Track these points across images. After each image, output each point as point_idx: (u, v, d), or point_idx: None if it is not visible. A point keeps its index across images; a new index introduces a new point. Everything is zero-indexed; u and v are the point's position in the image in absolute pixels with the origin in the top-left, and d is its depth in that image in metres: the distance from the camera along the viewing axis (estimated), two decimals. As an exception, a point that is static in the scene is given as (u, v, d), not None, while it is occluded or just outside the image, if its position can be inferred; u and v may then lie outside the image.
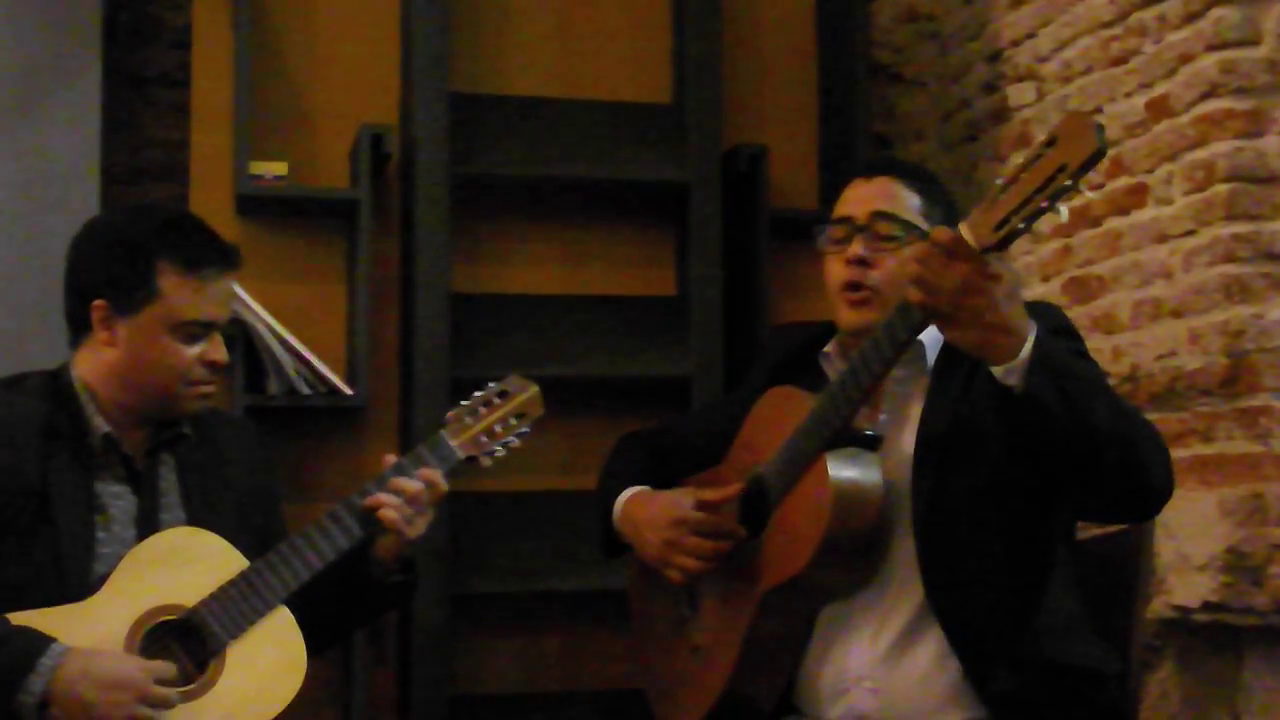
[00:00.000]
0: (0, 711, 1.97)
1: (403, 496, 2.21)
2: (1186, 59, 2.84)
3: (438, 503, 2.26)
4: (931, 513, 2.06)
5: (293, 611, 2.19)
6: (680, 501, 2.25)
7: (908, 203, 2.18)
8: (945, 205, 2.22)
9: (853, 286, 2.16)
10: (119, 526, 2.18)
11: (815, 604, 2.16)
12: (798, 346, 2.32)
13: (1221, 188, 2.74)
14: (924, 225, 2.16)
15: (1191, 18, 2.83)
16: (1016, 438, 1.95)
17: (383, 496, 2.21)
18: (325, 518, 2.22)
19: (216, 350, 2.22)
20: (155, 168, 3.49)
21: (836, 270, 2.19)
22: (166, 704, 2.02)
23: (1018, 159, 1.80)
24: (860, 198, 2.20)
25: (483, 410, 2.33)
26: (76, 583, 2.11)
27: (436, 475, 2.25)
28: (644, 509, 2.31)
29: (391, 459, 2.28)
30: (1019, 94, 3.44)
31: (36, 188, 3.29)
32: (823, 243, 2.22)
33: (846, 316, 2.18)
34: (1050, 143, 1.76)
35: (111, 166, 3.39)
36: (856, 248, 2.16)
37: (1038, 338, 1.87)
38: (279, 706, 2.11)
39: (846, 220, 2.20)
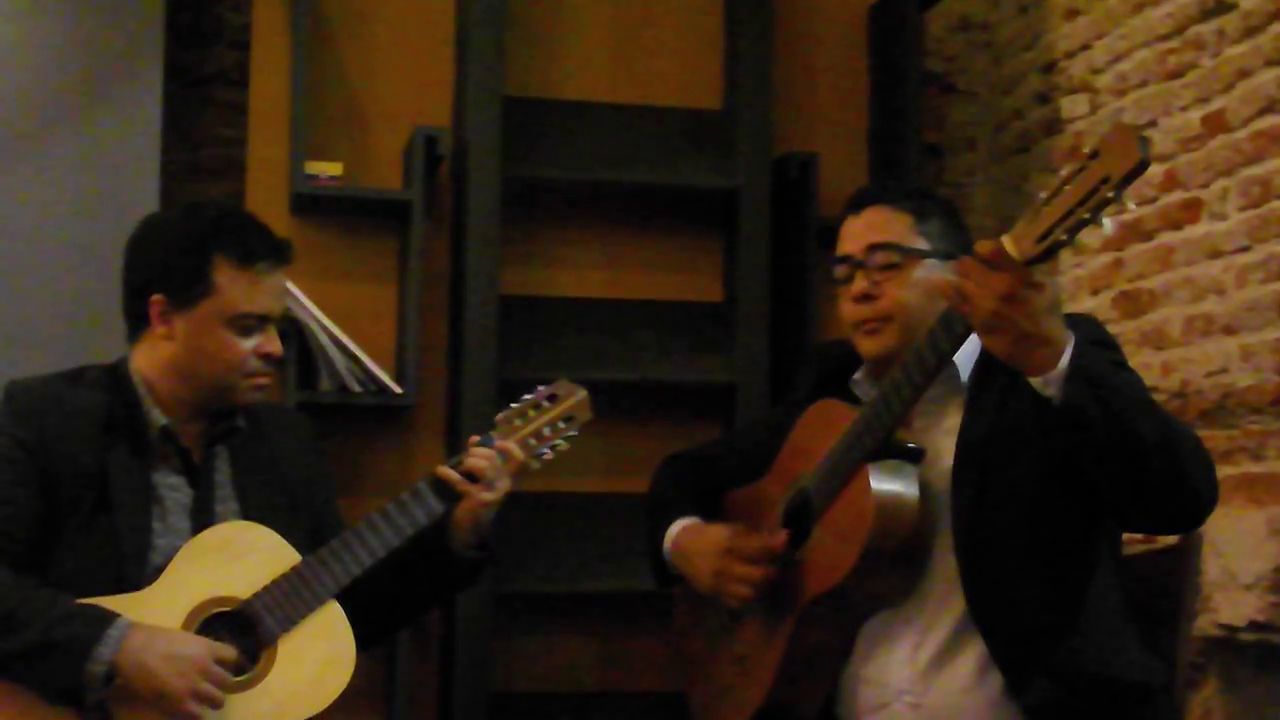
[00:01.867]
0: (69, 681, 2.02)
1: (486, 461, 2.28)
2: (1245, 74, 2.82)
3: (514, 473, 2.31)
4: (972, 525, 2.07)
5: (365, 595, 2.23)
6: (728, 531, 2.27)
7: (899, 226, 2.20)
8: (941, 216, 2.24)
9: (863, 321, 2.19)
10: (175, 518, 2.22)
11: (856, 615, 2.16)
12: (836, 365, 2.33)
13: (1278, 204, 2.72)
14: (920, 243, 2.19)
15: (1251, 32, 2.81)
16: (1058, 449, 1.95)
17: (470, 459, 2.28)
18: (387, 508, 2.25)
19: (271, 342, 2.26)
20: (213, 166, 3.54)
21: (848, 309, 2.23)
22: (223, 684, 2.07)
23: (1062, 171, 1.80)
24: (854, 234, 2.23)
25: (532, 413, 2.35)
26: (133, 572, 2.15)
27: (510, 445, 2.31)
28: (694, 541, 2.33)
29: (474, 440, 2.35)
30: (1072, 106, 3.43)
31: (98, 185, 3.34)
32: (836, 277, 2.26)
33: (865, 346, 2.21)
34: (1094, 155, 1.76)
35: (170, 164, 3.43)
36: (860, 284, 2.19)
37: (1076, 347, 1.88)
38: (328, 699, 2.15)
39: (846, 259, 2.23)
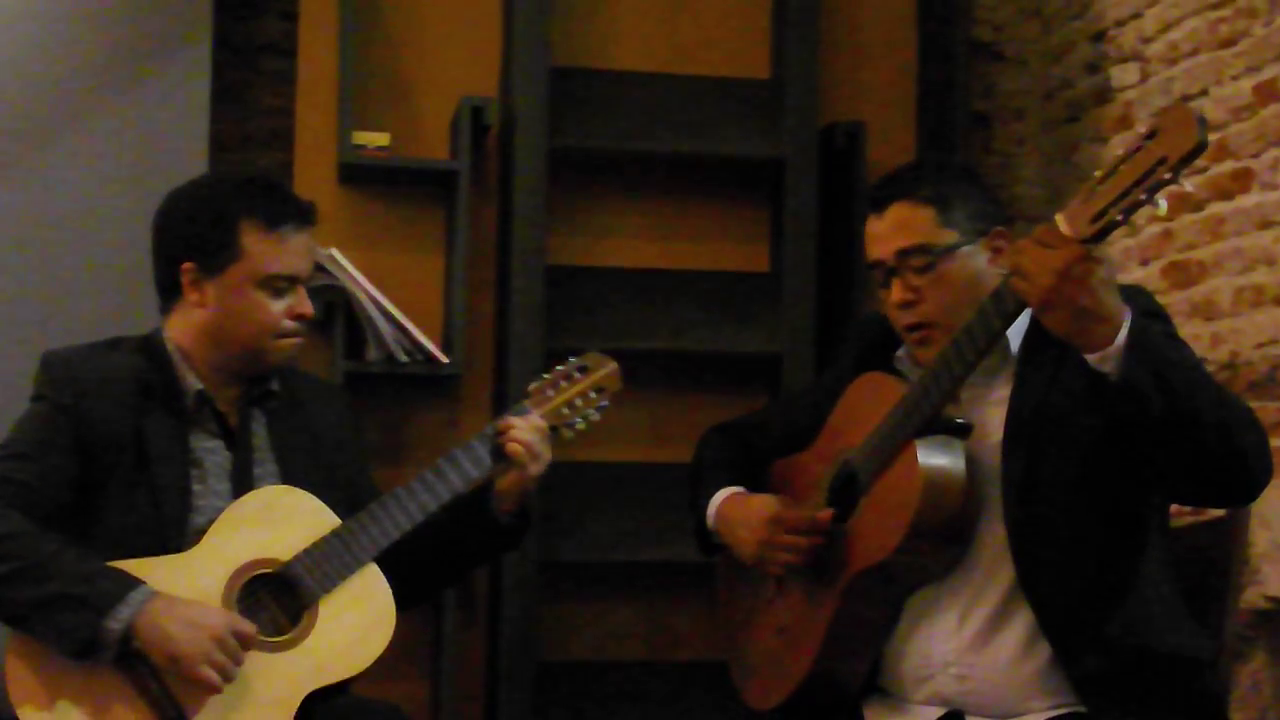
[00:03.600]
0: (86, 635, 2.05)
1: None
2: (1297, 42, 2.79)
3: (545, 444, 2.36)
4: (1022, 497, 2.06)
5: (407, 556, 2.27)
6: (772, 501, 2.28)
7: (924, 224, 2.15)
8: (963, 196, 2.18)
9: (910, 328, 2.18)
10: (214, 480, 2.26)
11: (901, 590, 2.16)
12: (880, 337, 2.32)
13: (1329, 174, 2.69)
14: (949, 237, 2.14)
15: (1304, 1, 2.78)
16: (1113, 424, 1.94)
17: (512, 421, 2.33)
18: (425, 475, 2.29)
19: (302, 303, 2.30)
20: (262, 136, 3.55)
21: (892, 314, 2.21)
22: (237, 658, 2.10)
23: (1117, 150, 1.79)
24: (880, 237, 2.20)
25: (564, 384, 2.41)
26: (175, 534, 2.20)
27: (536, 419, 2.36)
28: (737, 510, 2.33)
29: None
30: (1122, 75, 3.40)
31: (147, 155, 3.36)
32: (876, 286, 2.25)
33: (917, 355, 2.19)
34: (1151, 135, 1.75)
35: (219, 134, 3.46)
36: (898, 293, 2.17)
37: (1133, 324, 1.87)
38: (368, 660, 2.19)
39: (879, 265, 2.21)
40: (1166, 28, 3.22)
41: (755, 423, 2.56)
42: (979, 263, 2.14)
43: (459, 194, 3.32)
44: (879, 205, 2.21)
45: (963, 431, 2.09)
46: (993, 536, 2.09)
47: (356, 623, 2.19)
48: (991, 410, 2.13)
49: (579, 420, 2.41)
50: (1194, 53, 3.11)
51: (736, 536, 2.32)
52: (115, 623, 2.05)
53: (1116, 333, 1.86)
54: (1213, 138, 2.99)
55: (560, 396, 2.40)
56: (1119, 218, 1.79)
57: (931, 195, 2.17)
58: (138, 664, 2.08)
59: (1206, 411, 1.86)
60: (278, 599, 2.19)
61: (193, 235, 2.26)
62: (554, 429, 2.39)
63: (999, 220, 2.20)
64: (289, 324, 2.28)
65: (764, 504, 2.28)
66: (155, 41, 3.41)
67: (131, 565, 2.13)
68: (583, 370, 2.42)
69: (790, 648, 2.26)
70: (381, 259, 3.38)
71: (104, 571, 2.10)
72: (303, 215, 2.30)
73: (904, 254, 2.16)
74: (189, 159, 3.36)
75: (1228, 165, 2.97)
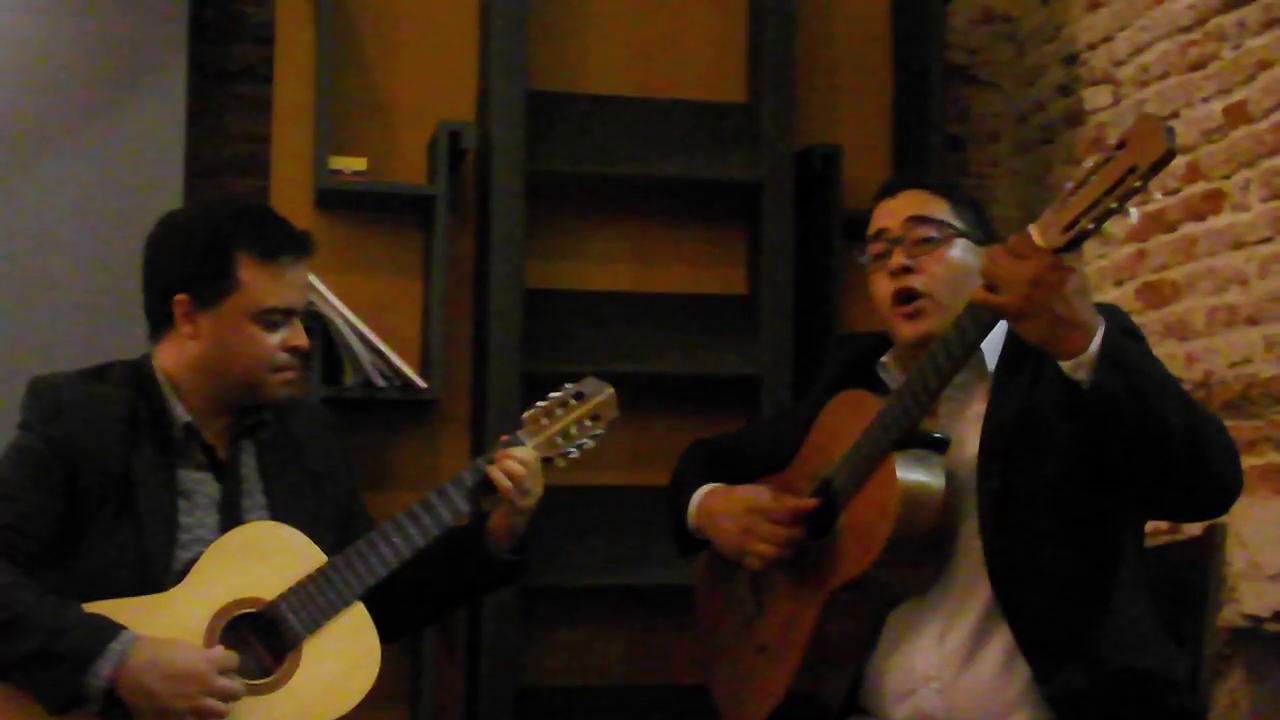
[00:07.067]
0: (68, 693, 2.01)
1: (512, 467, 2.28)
2: (1266, 65, 2.82)
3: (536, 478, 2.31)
4: (998, 512, 2.07)
5: (396, 591, 2.23)
6: (756, 492, 2.28)
7: (937, 207, 2.21)
8: (971, 207, 2.26)
9: (902, 298, 2.18)
10: (202, 513, 2.22)
11: (881, 605, 2.16)
12: (858, 357, 2.33)
13: (1300, 195, 2.72)
14: (957, 224, 2.19)
15: (1272, 24, 2.81)
16: (1085, 434, 1.96)
17: (501, 454, 2.28)
18: (414, 509, 2.25)
19: (298, 336, 2.26)
20: (238, 162, 3.55)
21: (883, 285, 2.21)
22: (231, 695, 2.05)
23: (1089, 162, 1.81)
24: (891, 211, 2.23)
25: (559, 412, 2.35)
26: (160, 569, 2.15)
27: (528, 453, 2.30)
28: (720, 501, 2.34)
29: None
30: (1095, 97, 3.43)
31: (122, 180, 3.35)
32: (864, 261, 2.25)
33: (903, 330, 2.19)
34: (1120, 145, 1.78)
35: (195, 160, 3.45)
36: (898, 258, 2.18)
37: (1106, 333, 1.89)
38: (353, 702, 2.14)
39: (882, 233, 2.22)
40: (1138, 51, 3.25)
41: (738, 441, 2.56)
42: (976, 263, 2.16)
43: (436, 218, 3.32)
44: (893, 190, 2.26)
45: (940, 445, 2.10)
46: (971, 551, 2.10)
47: (340, 664, 2.15)
48: (969, 425, 2.14)
49: (572, 449, 2.34)
50: (1165, 75, 3.14)
51: (718, 527, 2.31)
52: (97, 679, 2.00)
53: (1090, 341, 1.88)
54: (1184, 159, 3.03)
55: (554, 425, 2.34)
56: (1090, 226, 1.81)
57: (946, 192, 2.24)
58: (120, 716, 2.03)
59: (1176, 421, 1.88)
60: (262, 639, 2.14)
61: (187, 266, 2.21)
62: (547, 459, 2.32)
63: (993, 242, 2.23)
64: (284, 357, 2.24)
65: (748, 493, 2.29)
66: (130, 67, 3.41)
67: (114, 606, 2.08)
68: (579, 397, 2.36)
69: (770, 666, 2.26)
70: (359, 284, 3.37)
71: (82, 621, 2.04)
72: (299, 246, 2.26)
73: (914, 221, 2.19)
74: (164, 186, 3.35)
75: (1199, 186, 3.00)
